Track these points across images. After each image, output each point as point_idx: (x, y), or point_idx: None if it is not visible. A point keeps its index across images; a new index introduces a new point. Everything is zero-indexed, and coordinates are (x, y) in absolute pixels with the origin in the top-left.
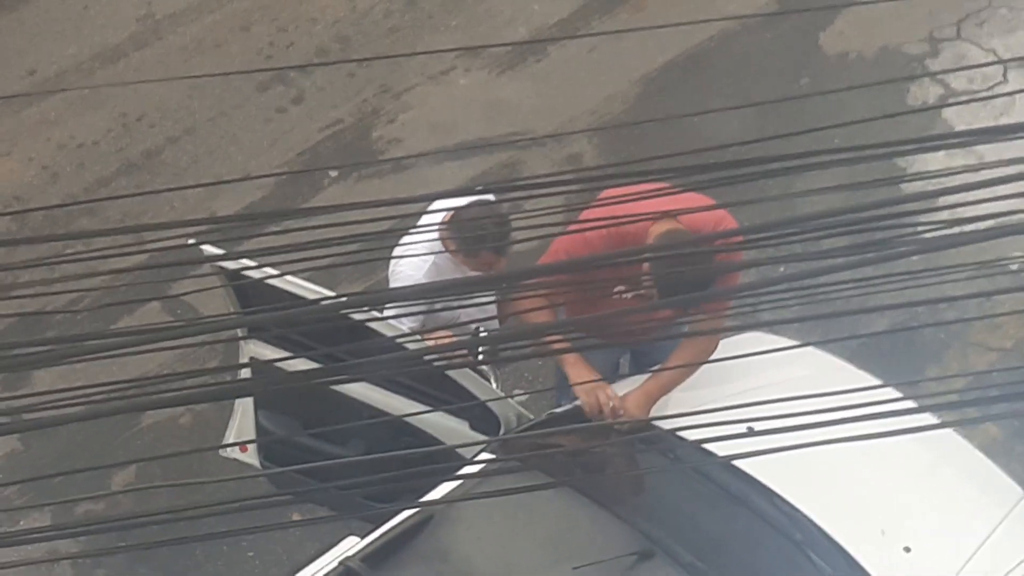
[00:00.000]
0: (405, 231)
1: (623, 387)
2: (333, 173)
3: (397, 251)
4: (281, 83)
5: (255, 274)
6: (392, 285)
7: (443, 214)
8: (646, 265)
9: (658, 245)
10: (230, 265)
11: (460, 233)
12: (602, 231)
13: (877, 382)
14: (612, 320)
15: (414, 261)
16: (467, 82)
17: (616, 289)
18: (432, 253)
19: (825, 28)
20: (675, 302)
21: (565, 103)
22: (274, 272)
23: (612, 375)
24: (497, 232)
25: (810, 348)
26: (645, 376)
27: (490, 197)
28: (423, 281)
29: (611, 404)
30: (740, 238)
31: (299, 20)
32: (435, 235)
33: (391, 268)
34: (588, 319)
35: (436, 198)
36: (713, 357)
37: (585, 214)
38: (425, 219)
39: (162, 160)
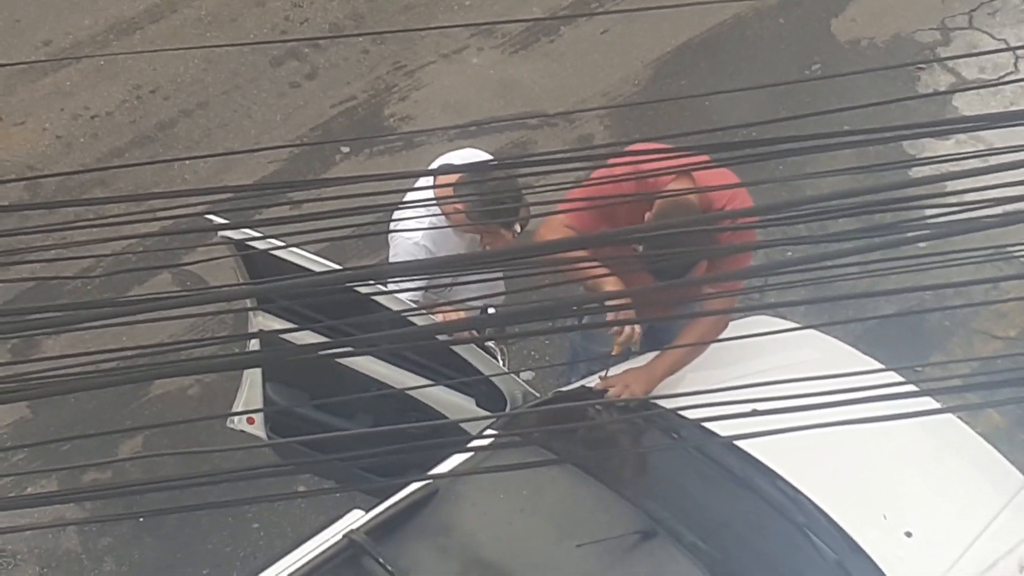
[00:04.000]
0: (397, 205)
1: (633, 364)
2: (345, 149)
3: (393, 225)
4: (295, 58)
5: (262, 245)
6: (391, 254)
7: (436, 179)
8: (648, 215)
9: (658, 205)
10: (238, 236)
11: (472, 198)
12: (630, 171)
13: (880, 366)
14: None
15: (411, 223)
16: (480, 61)
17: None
18: (429, 218)
19: (837, 14)
20: (666, 264)
21: (577, 84)
22: (280, 244)
23: (626, 352)
24: (510, 204)
25: (815, 332)
26: (654, 354)
27: (482, 153)
28: (423, 243)
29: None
30: (754, 218)
31: None
32: (432, 201)
33: (389, 237)
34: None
35: (444, 172)
36: (721, 339)
37: (614, 160)
38: (411, 195)
39: (175, 133)
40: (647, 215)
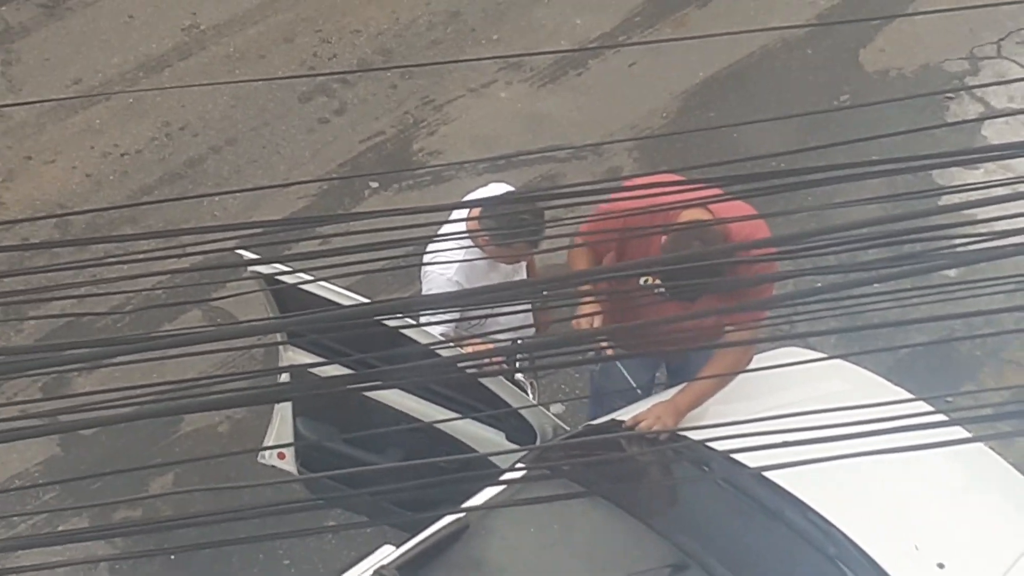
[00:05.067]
0: (432, 237)
1: (659, 399)
2: (374, 184)
3: (426, 257)
4: (323, 94)
5: (291, 280)
6: (424, 288)
7: (470, 208)
8: (663, 241)
9: (677, 228)
10: (268, 270)
11: (494, 223)
12: (641, 204)
13: (910, 396)
14: (648, 328)
15: (444, 256)
16: (508, 95)
17: (643, 280)
18: (462, 251)
19: (866, 45)
20: (682, 294)
21: (605, 117)
22: (308, 278)
23: (649, 386)
24: (532, 221)
25: (845, 363)
26: (679, 388)
27: (508, 187)
28: (455, 279)
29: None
30: (772, 249)
31: (342, 32)
32: (464, 234)
33: (422, 272)
34: (624, 328)
35: (469, 205)
36: (748, 369)
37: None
38: (447, 228)
39: (204, 169)
40: (663, 240)
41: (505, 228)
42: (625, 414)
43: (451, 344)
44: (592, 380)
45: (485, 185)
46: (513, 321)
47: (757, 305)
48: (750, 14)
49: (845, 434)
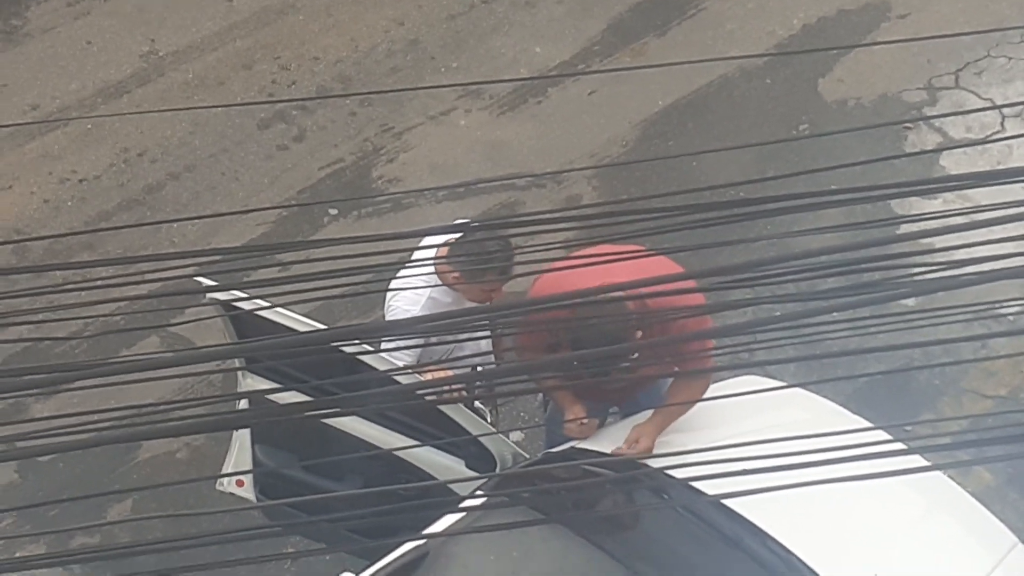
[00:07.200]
0: (401, 265)
1: (619, 428)
2: (333, 211)
3: (393, 284)
4: (282, 121)
5: (248, 306)
6: (388, 319)
7: (437, 247)
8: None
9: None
10: (226, 297)
11: (464, 259)
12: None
13: (868, 425)
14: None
15: (409, 295)
16: (467, 122)
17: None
18: (429, 287)
19: (824, 75)
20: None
21: (565, 145)
22: (266, 305)
23: (604, 417)
24: (501, 255)
25: (804, 392)
26: (633, 418)
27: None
28: (419, 315)
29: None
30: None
31: (301, 59)
32: (431, 268)
33: (387, 302)
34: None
35: (430, 233)
36: (708, 398)
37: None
38: (419, 254)
39: (163, 196)
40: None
41: (476, 263)
42: (585, 441)
43: (410, 371)
44: (546, 409)
45: (447, 217)
46: (472, 348)
47: (697, 335)
48: (709, 43)
49: (804, 462)
